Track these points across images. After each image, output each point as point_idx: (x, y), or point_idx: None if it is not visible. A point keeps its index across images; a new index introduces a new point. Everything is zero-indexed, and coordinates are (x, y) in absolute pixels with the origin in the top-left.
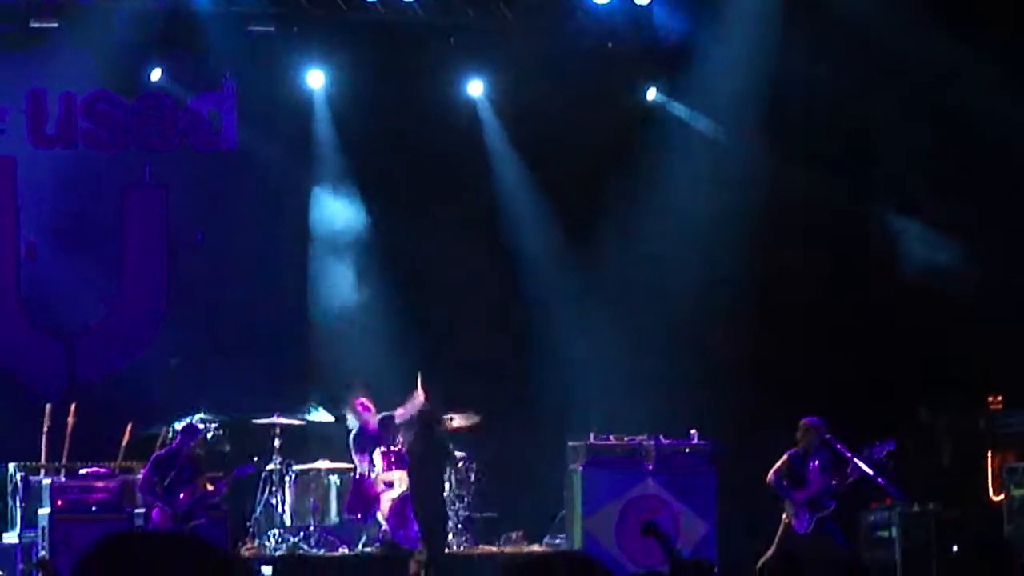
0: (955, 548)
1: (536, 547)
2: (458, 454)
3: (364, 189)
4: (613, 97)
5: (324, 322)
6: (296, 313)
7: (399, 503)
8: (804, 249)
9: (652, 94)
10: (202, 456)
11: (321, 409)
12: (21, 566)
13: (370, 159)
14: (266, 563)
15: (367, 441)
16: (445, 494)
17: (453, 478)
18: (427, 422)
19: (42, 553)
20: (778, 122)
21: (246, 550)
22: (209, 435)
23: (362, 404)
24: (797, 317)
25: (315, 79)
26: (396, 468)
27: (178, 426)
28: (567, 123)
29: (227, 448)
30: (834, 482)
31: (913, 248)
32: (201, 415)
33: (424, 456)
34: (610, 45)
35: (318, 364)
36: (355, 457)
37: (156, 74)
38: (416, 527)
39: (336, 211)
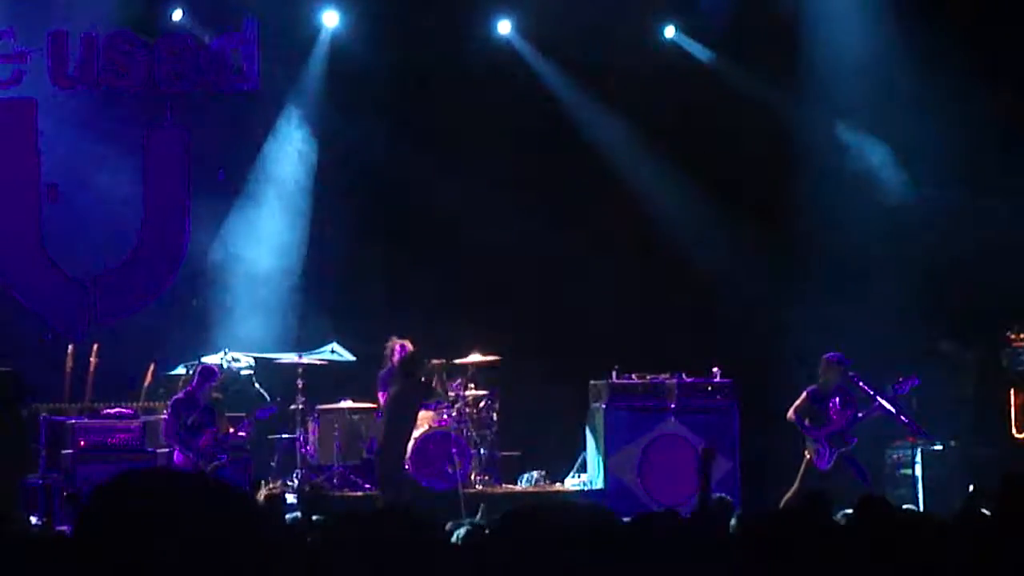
0: (971, 487)
1: (558, 486)
2: (480, 393)
3: (383, 130)
4: (635, 34)
5: (345, 260)
6: (318, 252)
7: (422, 443)
8: (830, 181)
9: (670, 32)
10: (220, 399)
11: (341, 348)
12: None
13: (390, 98)
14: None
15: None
16: (406, 440)
17: (473, 417)
18: (405, 368)
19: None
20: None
21: (269, 489)
22: (236, 374)
23: (401, 346)
24: (819, 251)
25: (330, 19)
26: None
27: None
28: (596, 59)
29: (250, 388)
30: (860, 414)
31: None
32: (224, 355)
33: (396, 401)
34: None
35: (340, 303)
36: (381, 397)
37: (178, 14)
38: (445, 466)
39: (356, 150)
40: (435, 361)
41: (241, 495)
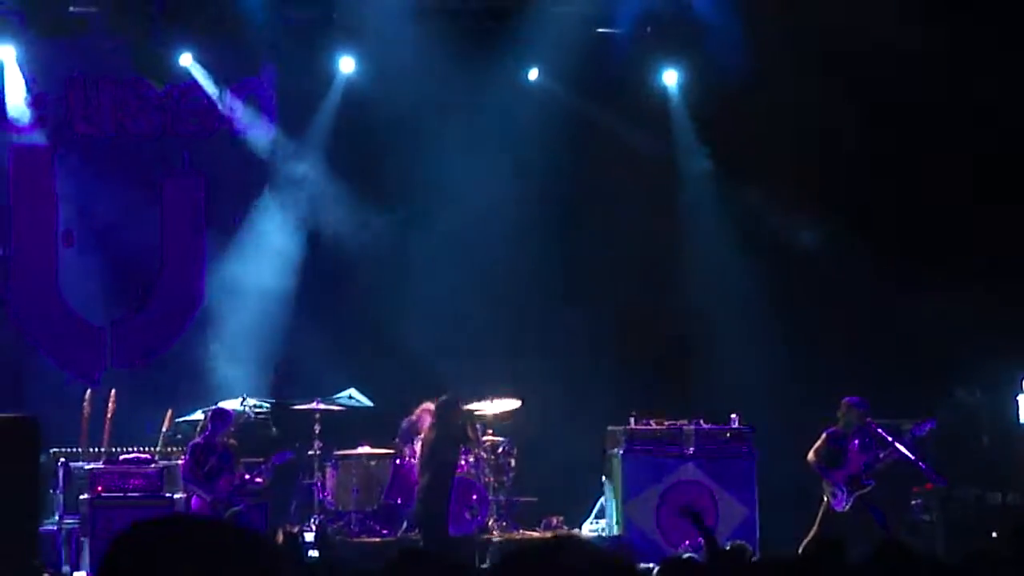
0: (994, 533)
1: (576, 532)
2: (498, 439)
3: (392, 177)
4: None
5: (363, 307)
6: (333, 297)
7: None
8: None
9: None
10: (235, 444)
11: (359, 394)
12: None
13: (398, 147)
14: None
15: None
16: (451, 485)
17: (491, 463)
18: (443, 413)
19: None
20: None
21: (286, 535)
22: (248, 420)
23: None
24: (836, 295)
25: (347, 65)
26: None
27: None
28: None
29: (270, 433)
30: (877, 457)
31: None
32: (242, 401)
33: (434, 448)
34: (648, 30)
35: (358, 350)
36: (404, 446)
37: (189, 59)
38: (464, 512)
39: (367, 195)
40: (465, 408)
41: (260, 539)
